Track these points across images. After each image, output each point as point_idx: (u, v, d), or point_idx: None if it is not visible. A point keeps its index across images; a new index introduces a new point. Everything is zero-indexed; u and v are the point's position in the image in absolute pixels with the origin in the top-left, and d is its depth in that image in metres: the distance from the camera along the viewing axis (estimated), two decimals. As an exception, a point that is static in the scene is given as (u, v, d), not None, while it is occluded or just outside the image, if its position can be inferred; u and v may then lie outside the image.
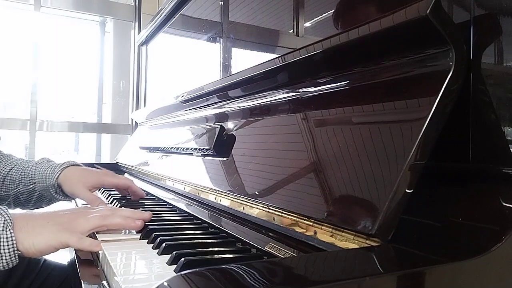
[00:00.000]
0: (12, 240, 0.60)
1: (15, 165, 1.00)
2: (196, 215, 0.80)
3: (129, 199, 1.05)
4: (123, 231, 0.72)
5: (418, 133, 0.41)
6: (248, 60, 1.03)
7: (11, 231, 0.60)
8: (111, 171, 1.06)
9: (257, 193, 0.61)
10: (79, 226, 0.65)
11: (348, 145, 0.49)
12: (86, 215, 0.68)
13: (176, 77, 1.59)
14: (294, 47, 0.74)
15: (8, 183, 0.98)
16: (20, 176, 0.98)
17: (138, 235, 0.69)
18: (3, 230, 0.59)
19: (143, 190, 1.24)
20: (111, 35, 3.53)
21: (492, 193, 0.42)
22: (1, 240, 0.59)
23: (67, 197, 0.97)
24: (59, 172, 0.95)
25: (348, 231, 0.44)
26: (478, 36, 0.45)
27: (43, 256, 0.97)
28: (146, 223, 0.73)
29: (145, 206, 0.96)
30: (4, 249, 0.59)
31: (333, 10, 0.68)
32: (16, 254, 0.61)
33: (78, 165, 1.01)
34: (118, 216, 0.69)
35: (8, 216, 0.61)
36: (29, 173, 0.98)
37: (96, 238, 0.68)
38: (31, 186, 0.97)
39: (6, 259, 0.60)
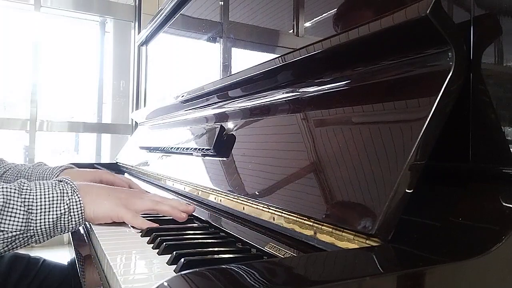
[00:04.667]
0: (80, 203, 0.66)
1: (10, 168, 1.02)
2: (196, 215, 0.80)
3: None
4: (122, 226, 0.74)
5: (418, 133, 0.41)
6: (248, 60, 1.03)
7: (79, 196, 0.67)
8: (108, 171, 1.09)
9: (257, 193, 0.61)
10: (135, 205, 0.72)
11: (348, 145, 0.49)
12: (140, 197, 0.75)
13: (176, 77, 1.59)
14: (294, 47, 0.74)
15: None
16: (15, 178, 0.99)
17: (139, 234, 0.69)
18: (72, 194, 0.66)
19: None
20: (111, 35, 3.53)
21: (492, 193, 0.42)
22: (72, 204, 0.66)
23: None
24: (58, 173, 1.00)
25: (348, 231, 0.44)
26: (478, 36, 0.45)
27: (43, 256, 0.97)
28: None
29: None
30: (74, 212, 0.66)
31: (333, 10, 0.68)
32: (83, 217, 0.67)
33: (74, 168, 1.06)
34: (167, 204, 0.75)
35: (73, 183, 0.68)
36: (25, 175, 0.99)
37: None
38: None
39: (75, 221, 0.66)
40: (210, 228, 0.73)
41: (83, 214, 0.66)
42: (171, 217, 0.75)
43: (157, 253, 0.58)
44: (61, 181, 0.68)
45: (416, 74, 0.46)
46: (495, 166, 0.43)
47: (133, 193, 0.76)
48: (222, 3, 1.13)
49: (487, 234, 0.39)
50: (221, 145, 0.80)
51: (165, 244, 0.58)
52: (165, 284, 0.30)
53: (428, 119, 0.40)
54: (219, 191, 0.75)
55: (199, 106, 1.12)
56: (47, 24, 3.14)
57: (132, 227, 0.73)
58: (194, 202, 0.88)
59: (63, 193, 0.65)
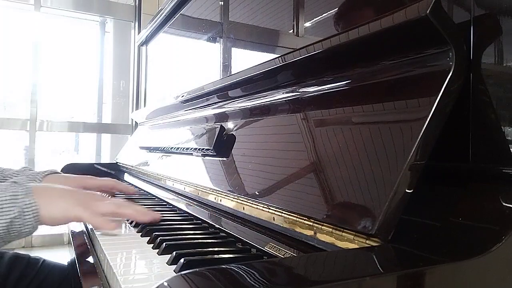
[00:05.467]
0: (35, 206, 0.63)
1: None
2: (196, 215, 0.80)
3: (127, 198, 1.06)
4: (124, 229, 0.73)
5: (418, 133, 0.41)
6: (248, 60, 1.03)
7: (33, 197, 0.63)
8: (92, 176, 1.08)
9: (257, 193, 0.61)
10: (95, 207, 0.68)
11: (348, 145, 0.49)
12: (102, 200, 0.72)
13: (176, 77, 1.59)
14: (294, 47, 0.74)
15: None
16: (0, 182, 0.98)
17: (139, 234, 0.69)
18: (25, 197, 0.63)
19: (143, 190, 1.24)
20: (111, 35, 3.53)
21: (492, 193, 0.42)
22: (25, 206, 0.62)
23: None
24: (41, 179, 0.97)
25: (348, 231, 0.44)
26: (478, 36, 0.45)
27: (42, 256, 0.97)
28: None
29: (145, 206, 0.96)
30: (28, 215, 0.62)
31: (333, 10, 0.68)
32: (38, 220, 0.63)
33: (58, 173, 1.04)
34: (131, 208, 0.73)
35: (28, 185, 0.65)
36: (8, 179, 0.98)
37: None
38: None
39: (29, 224, 0.63)
40: (210, 228, 0.73)
41: (37, 217, 0.63)
42: (135, 220, 0.74)
43: (157, 253, 0.58)
44: (15, 182, 0.65)
45: (416, 74, 0.46)
46: (495, 166, 0.43)
47: (96, 195, 0.74)
48: (222, 3, 1.13)
49: (487, 234, 0.39)
50: (221, 145, 0.80)
51: (165, 244, 0.58)
52: (165, 284, 0.30)
53: (428, 119, 0.40)
54: (219, 191, 0.75)
55: (199, 106, 1.12)
56: (47, 24, 3.13)
57: (135, 224, 0.72)
58: (194, 202, 0.88)
59: (15, 196, 0.62)
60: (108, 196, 1.07)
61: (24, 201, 0.62)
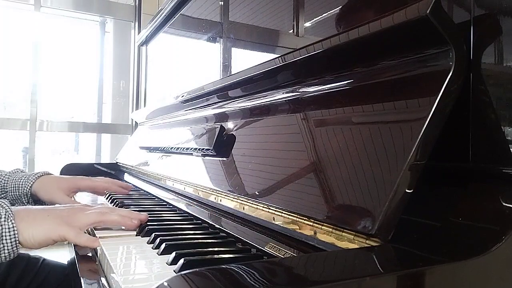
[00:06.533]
0: (14, 230, 0.61)
1: None
2: (196, 215, 0.80)
3: (127, 198, 1.06)
4: (123, 228, 0.73)
5: (418, 133, 0.41)
6: (248, 60, 1.03)
7: (13, 221, 0.61)
8: (88, 177, 1.08)
9: (257, 193, 0.61)
10: (78, 221, 0.67)
11: (348, 145, 0.49)
12: (85, 211, 0.70)
13: (176, 77, 1.59)
14: (294, 47, 0.74)
15: None
16: None
17: (139, 234, 0.69)
18: (5, 220, 0.61)
19: (142, 190, 1.24)
20: (111, 35, 3.52)
21: (492, 193, 0.42)
22: (3, 230, 0.60)
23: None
24: (34, 181, 0.97)
25: (348, 231, 0.44)
26: (478, 36, 0.45)
27: (42, 256, 0.97)
28: (147, 223, 0.73)
29: (145, 206, 0.96)
30: (6, 240, 0.61)
31: (333, 11, 0.68)
32: (18, 245, 0.62)
33: (51, 174, 1.04)
34: (116, 214, 0.71)
35: (9, 208, 0.63)
36: (0, 182, 0.98)
37: (94, 235, 0.69)
38: (2, 195, 0.97)
39: (8, 250, 0.61)
40: (210, 228, 0.73)
41: (17, 241, 0.62)
42: (122, 226, 0.72)
43: (157, 253, 0.58)
44: None
45: (416, 74, 0.46)
46: (495, 166, 0.43)
47: (77, 209, 0.72)
48: (222, 3, 1.13)
49: (487, 234, 0.39)
50: (221, 145, 0.80)
51: (165, 244, 0.58)
52: (165, 284, 0.30)
53: (428, 119, 0.40)
54: (219, 191, 0.75)
55: (199, 106, 1.12)
56: (47, 24, 3.13)
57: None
58: (194, 202, 0.88)
59: None
60: (108, 195, 1.07)
61: (3, 225, 0.61)
